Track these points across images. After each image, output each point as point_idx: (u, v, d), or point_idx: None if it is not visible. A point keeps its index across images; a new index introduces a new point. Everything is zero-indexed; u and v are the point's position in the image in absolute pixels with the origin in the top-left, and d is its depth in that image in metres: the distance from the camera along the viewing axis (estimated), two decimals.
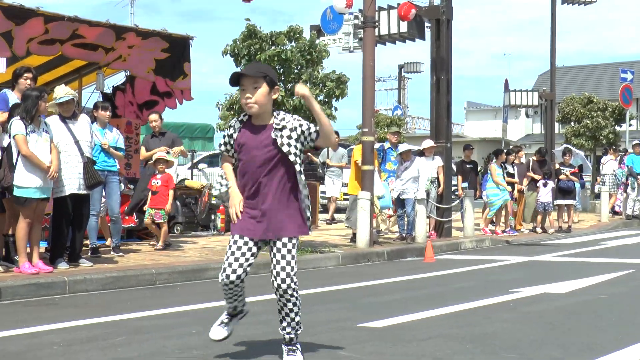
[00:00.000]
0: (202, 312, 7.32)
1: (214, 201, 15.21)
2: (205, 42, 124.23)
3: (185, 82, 14.32)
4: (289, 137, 4.97)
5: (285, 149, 4.95)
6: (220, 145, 5.30)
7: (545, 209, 17.78)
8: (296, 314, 5.06)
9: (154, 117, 12.90)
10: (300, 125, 5.02)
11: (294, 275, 4.99)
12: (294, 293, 4.99)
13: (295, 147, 4.99)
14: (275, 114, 5.07)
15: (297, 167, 5.02)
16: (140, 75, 14.15)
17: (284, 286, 4.95)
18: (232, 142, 5.12)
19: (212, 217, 15.12)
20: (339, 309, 7.56)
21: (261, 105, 4.98)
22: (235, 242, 5.02)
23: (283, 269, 4.96)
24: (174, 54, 13.97)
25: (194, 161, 24.01)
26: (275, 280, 4.98)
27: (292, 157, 4.97)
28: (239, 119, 5.15)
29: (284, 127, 4.99)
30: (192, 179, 21.17)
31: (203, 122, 31.33)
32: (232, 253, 5.02)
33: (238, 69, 12.85)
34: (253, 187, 5.01)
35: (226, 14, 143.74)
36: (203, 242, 13.40)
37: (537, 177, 17.79)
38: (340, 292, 8.80)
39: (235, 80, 5.02)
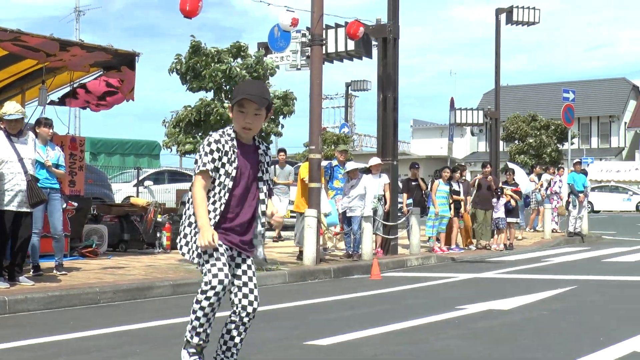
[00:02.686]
0: (147, 331, 7.22)
1: (159, 219, 15.08)
2: (151, 59, 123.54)
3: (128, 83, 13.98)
4: (267, 163, 4.98)
5: (260, 173, 4.93)
6: (203, 163, 4.72)
7: (499, 226, 18.04)
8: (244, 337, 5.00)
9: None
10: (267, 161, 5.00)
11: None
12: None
13: (265, 169, 4.97)
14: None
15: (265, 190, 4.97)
16: (78, 70, 13.78)
17: (255, 305, 4.86)
18: (223, 162, 4.77)
19: (158, 234, 14.97)
20: (286, 327, 7.52)
21: (255, 131, 4.91)
22: (218, 249, 4.73)
23: (252, 291, 4.86)
24: (118, 63, 13.76)
25: (140, 178, 23.77)
26: (241, 301, 4.84)
27: (261, 184, 4.94)
28: (231, 135, 4.85)
29: (265, 152, 4.97)
30: (137, 196, 20.94)
31: (149, 139, 31.13)
32: (219, 258, 4.73)
33: (185, 87, 12.84)
34: (240, 209, 4.86)
35: (172, 31, 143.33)
36: (148, 260, 13.24)
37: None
38: (287, 310, 8.76)
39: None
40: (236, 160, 4.80)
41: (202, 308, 4.74)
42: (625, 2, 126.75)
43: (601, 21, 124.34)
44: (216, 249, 4.71)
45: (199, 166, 4.73)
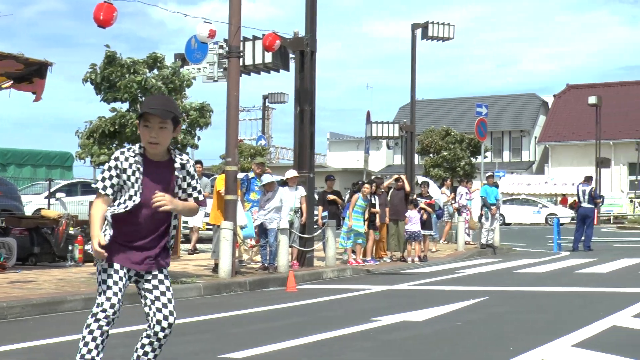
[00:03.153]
0: (57, 346, 7.06)
1: (71, 231, 14.78)
2: (64, 68, 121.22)
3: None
4: (182, 178, 4.82)
5: (175, 189, 4.80)
6: (102, 186, 4.68)
7: (415, 238, 18.20)
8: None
9: None
10: (189, 168, 4.87)
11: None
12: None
13: (179, 185, 4.83)
14: (171, 149, 4.87)
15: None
16: None
17: (171, 320, 4.75)
18: (124, 180, 4.70)
19: (70, 247, 14.66)
20: (200, 340, 7.45)
21: (164, 146, 4.80)
22: (118, 272, 4.67)
23: (165, 305, 4.74)
24: (29, 73, 13.40)
25: (52, 190, 23.25)
26: (155, 315, 4.72)
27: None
28: (136, 152, 4.77)
29: (179, 165, 4.82)
30: (49, 208, 20.47)
31: (62, 150, 30.45)
32: (116, 282, 4.65)
33: (99, 97, 12.63)
34: (144, 227, 4.75)
35: (86, 40, 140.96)
36: (60, 273, 12.95)
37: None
38: (202, 323, 8.69)
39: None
40: (137, 179, 4.71)
41: (91, 332, 4.62)
42: (532, 22, 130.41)
43: (511, 39, 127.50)
44: (116, 271, 4.64)
45: (97, 187, 4.70)
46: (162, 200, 4.63)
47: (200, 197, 4.92)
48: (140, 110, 4.77)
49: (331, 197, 17.94)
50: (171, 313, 4.74)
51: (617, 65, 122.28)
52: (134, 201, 4.70)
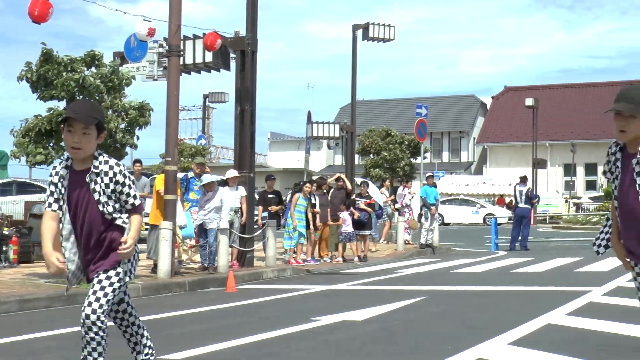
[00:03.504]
0: None
1: (5, 232, 14.50)
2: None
3: None
4: (105, 185, 4.80)
5: (96, 196, 4.78)
6: (47, 203, 4.84)
7: (350, 239, 18.24)
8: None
9: None
10: (115, 176, 4.84)
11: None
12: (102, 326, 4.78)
13: (104, 192, 4.81)
14: (97, 154, 4.85)
15: (107, 214, 4.83)
16: None
17: (87, 311, 4.73)
18: (60, 190, 4.81)
19: (4, 248, 14.37)
20: None
21: (87, 152, 4.78)
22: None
23: (90, 302, 4.74)
24: None
25: None
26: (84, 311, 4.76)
27: (101, 207, 4.79)
28: (64, 163, 4.85)
29: (101, 173, 4.80)
30: None
31: None
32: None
33: (36, 95, 12.42)
34: (81, 234, 4.83)
35: (23, 37, 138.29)
36: None
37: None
38: None
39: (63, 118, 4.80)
40: (64, 189, 4.80)
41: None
42: (472, 24, 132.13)
43: (452, 41, 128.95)
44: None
45: (44, 201, 4.86)
46: (127, 250, 4.78)
47: (137, 202, 4.93)
48: (65, 115, 4.79)
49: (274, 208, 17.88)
50: (90, 304, 4.73)
51: (554, 68, 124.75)
52: (63, 209, 4.80)
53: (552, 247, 24.48)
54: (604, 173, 4.88)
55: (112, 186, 4.80)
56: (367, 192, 19.67)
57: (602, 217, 35.81)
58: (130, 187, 4.86)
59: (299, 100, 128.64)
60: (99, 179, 4.78)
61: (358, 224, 18.61)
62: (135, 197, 4.88)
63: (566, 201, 49.92)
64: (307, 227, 17.50)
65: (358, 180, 23.82)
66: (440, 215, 34.34)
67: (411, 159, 50.62)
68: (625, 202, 4.71)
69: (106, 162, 4.83)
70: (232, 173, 15.71)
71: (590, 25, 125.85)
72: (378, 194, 22.53)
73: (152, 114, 13.14)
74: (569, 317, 8.70)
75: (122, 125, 12.60)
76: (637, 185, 4.63)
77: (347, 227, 18.08)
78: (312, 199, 17.65)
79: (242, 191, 15.77)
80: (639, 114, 4.62)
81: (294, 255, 17.14)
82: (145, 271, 13.62)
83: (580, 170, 56.69)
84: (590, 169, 56.32)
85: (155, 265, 13.22)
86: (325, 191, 18.62)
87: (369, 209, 19.08)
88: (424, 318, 9.16)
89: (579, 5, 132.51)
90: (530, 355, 6.51)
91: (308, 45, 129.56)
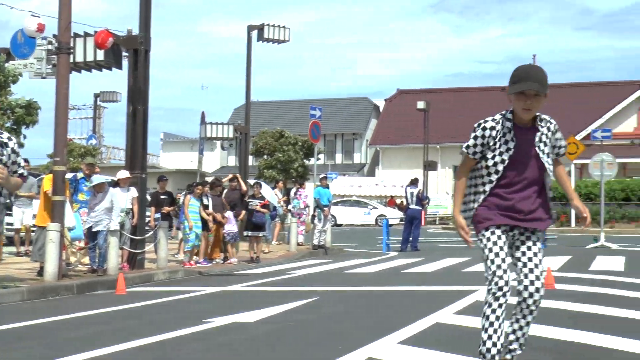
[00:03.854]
0: None
1: None
2: None
3: None
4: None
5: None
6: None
7: (235, 239, 18.16)
8: None
9: None
10: (13, 151, 5.23)
11: None
12: None
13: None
14: None
15: None
16: None
17: None
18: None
19: None
20: (24, 347, 7.17)
21: None
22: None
23: None
24: None
25: None
26: None
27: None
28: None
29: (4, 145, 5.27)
30: None
31: None
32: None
33: None
34: None
35: None
36: None
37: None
38: (27, 329, 8.37)
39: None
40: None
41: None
42: (367, 27, 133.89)
43: (346, 43, 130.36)
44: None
45: None
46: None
47: (25, 172, 5.36)
48: None
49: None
50: None
51: (445, 72, 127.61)
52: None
53: (441, 247, 25.01)
54: (468, 147, 5.32)
55: (12, 157, 5.27)
56: (261, 193, 19.65)
57: None
58: (18, 156, 5.33)
59: (193, 100, 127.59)
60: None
61: (254, 226, 18.58)
62: (23, 167, 5.42)
63: None
64: (206, 228, 17.38)
65: (251, 181, 23.79)
66: (333, 216, 34.64)
67: (305, 160, 50.94)
68: (524, 171, 5.19)
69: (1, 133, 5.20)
70: (124, 174, 15.45)
71: (479, 31, 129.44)
72: (272, 195, 22.57)
73: (40, 113, 12.86)
74: (456, 315, 8.90)
75: (8, 124, 12.23)
76: (542, 155, 5.19)
77: (232, 227, 17.98)
78: (205, 200, 17.53)
79: (133, 192, 15.52)
80: (543, 93, 4.96)
81: (186, 257, 16.97)
82: (32, 274, 13.25)
83: None
84: None
85: (42, 268, 12.86)
86: (219, 192, 18.51)
87: (265, 210, 19.07)
88: (316, 318, 9.21)
89: (469, 11, 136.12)
90: (419, 354, 6.64)
91: (202, 45, 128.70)
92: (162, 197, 17.88)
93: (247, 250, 18.83)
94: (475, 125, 5.28)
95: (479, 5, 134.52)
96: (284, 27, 27.39)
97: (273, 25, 27.12)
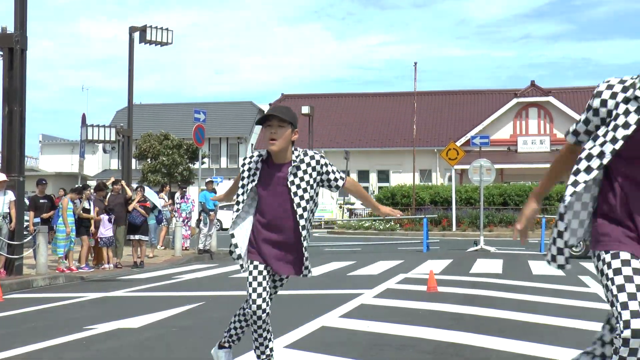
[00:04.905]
0: None
1: None
2: None
3: None
4: None
5: None
6: None
7: (109, 243, 17.77)
8: None
9: None
10: None
11: None
12: None
13: None
14: None
15: None
16: None
17: None
18: None
19: None
20: None
21: None
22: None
23: None
24: None
25: None
26: None
27: None
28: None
29: None
30: None
31: None
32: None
33: None
34: None
35: None
36: None
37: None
38: None
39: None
40: None
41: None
42: (250, 31, 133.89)
43: (230, 47, 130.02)
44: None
45: None
46: None
47: None
48: None
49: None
50: None
51: (329, 77, 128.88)
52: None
53: (327, 251, 25.21)
54: (243, 178, 5.34)
55: None
56: (144, 196, 19.35)
57: (373, 222, 37.40)
58: None
59: (73, 102, 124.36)
60: None
61: (132, 227, 18.29)
62: None
63: (340, 207, 51.62)
64: (85, 233, 17.00)
65: (135, 185, 23.42)
66: (218, 220, 34.42)
67: (189, 164, 50.47)
68: (271, 210, 5.22)
69: None
70: (0, 177, 14.94)
71: (361, 37, 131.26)
72: (156, 198, 22.26)
73: None
74: (342, 319, 8.99)
75: None
76: (291, 193, 5.17)
77: (107, 232, 17.63)
78: (87, 204, 17.14)
79: (10, 196, 15.03)
80: (286, 123, 5.21)
81: (66, 263, 16.55)
82: None
83: (353, 177, 58.84)
84: (364, 175, 58.61)
85: None
86: (104, 196, 18.13)
87: (142, 211, 18.74)
88: (201, 323, 9.13)
89: (351, 17, 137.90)
90: (305, 357, 6.68)
91: (83, 45, 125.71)
92: (42, 201, 17.37)
93: (131, 255, 18.51)
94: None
95: (361, 12, 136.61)
96: (166, 29, 27.08)
97: (156, 27, 26.77)
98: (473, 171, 25.46)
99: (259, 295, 5.18)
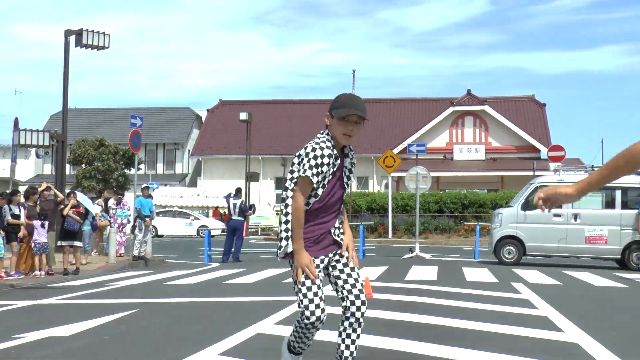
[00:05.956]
0: None
1: None
2: None
3: None
4: None
5: None
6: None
7: (43, 250, 17.43)
8: None
9: None
10: None
11: None
12: None
13: None
14: None
15: None
16: None
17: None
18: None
19: None
20: None
21: None
22: None
23: None
24: None
25: None
26: None
27: None
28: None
29: None
30: None
31: None
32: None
33: None
34: None
35: None
36: None
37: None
38: None
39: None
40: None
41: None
42: (188, 36, 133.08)
43: (167, 51, 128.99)
44: None
45: None
46: None
47: None
48: None
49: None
50: None
51: (267, 84, 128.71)
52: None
53: (263, 258, 25.16)
54: (317, 174, 5.03)
55: None
56: (77, 202, 19.04)
57: None
58: None
59: (5, 105, 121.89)
60: None
61: (67, 233, 17.99)
62: None
63: (277, 213, 51.56)
64: (14, 239, 16.65)
65: (66, 190, 23.05)
66: (154, 227, 34.11)
67: (125, 170, 49.92)
68: (330, 196, 5.17)
69: None
70: None
71: (300, 44, 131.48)
72: (90, 204, 21.94)
73: None
74: (277, 325, 8.97)
75: None
76: (345, 177, 5.19)
77: (40, 238, 17.31)
78: (17, 210, 16.80)
79: None
80: (363, 120, 5.08)
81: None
82: None
83: None
84: None
85: None
86: (35, 202, 17.78)
87: (76, 217, 18.44)
88: (135, 331, 9.02)
89: (290, 24, 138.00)
90: None
91: (15, 48, 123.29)
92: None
93: (62, 261, 18.18)
94: None
95: (300, 19, 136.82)
96: (103, 33, 26.71)
97: (92, 31, 26.38)
98: (409, 179, 25.68)
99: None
